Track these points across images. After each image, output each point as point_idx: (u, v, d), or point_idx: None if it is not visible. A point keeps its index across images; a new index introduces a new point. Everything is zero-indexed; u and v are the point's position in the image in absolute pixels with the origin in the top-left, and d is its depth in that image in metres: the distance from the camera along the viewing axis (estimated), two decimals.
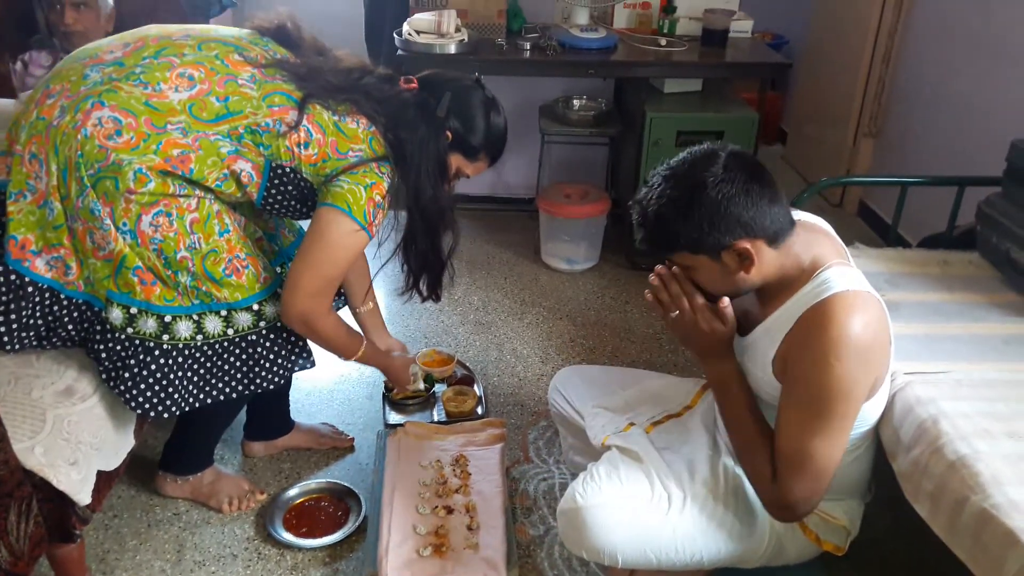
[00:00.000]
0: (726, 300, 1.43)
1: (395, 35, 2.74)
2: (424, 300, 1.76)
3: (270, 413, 2.02)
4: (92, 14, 2.20)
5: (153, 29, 1.56)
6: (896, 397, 1.51)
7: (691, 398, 1.80)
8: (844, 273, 1.36)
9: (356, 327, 1.88)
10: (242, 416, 2.02)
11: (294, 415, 2.09)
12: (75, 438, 1.46)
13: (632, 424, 1.73)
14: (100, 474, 1.51)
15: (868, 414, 1.46)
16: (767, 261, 1.34)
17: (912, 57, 3.14)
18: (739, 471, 1.51)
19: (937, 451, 1.38)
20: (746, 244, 1.31)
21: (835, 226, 1.53)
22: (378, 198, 1.52)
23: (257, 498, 1.89)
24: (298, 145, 1.49)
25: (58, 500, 1.43)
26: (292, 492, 1.89)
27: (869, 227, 3.38)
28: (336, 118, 1.51)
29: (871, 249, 2.11)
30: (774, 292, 1.39)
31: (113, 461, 1.56)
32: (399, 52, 2.69)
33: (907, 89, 3.18)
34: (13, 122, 1.50)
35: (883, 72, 3.27)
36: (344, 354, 1.73)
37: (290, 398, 2.06)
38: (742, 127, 2.80)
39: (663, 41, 2.89)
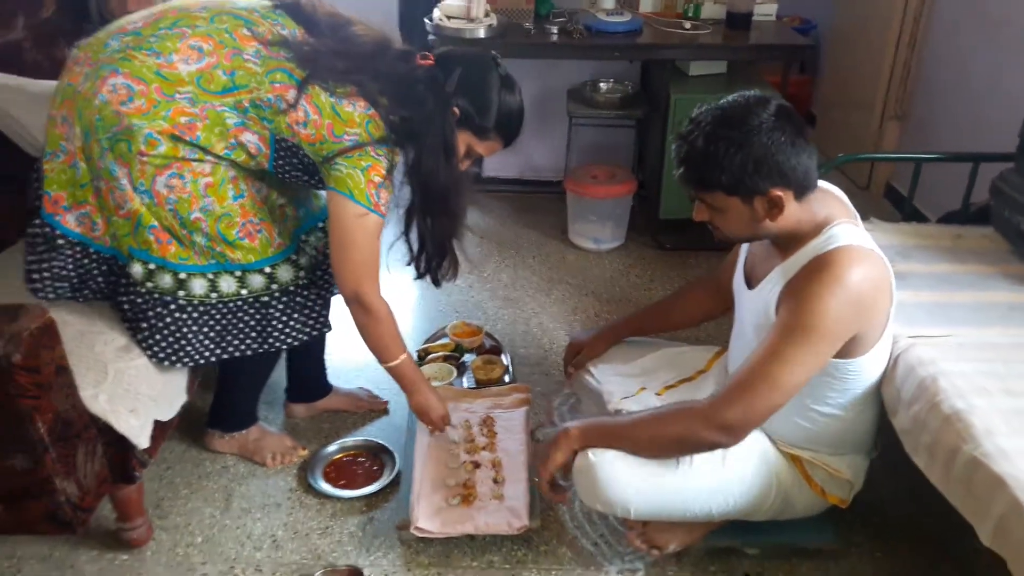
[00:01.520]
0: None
1: (426, 20, 2.86)
2: (419, 278, 1.77)
3: (308, 377, 2.16)
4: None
5: (177, 1, 1.62)
6: (899, 358, 1.59)
7: (706, 363, 1.89)
8: (851, 231, 1.45)
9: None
10: (284, 380, 2.16)
11: (334, 381, 2.22)
12: (134, 389, 1.61)
13: (643, 388, 1.83)
14: (156, 424, 1.64)
15: (868, 371, 1.54)
16: (789, 212, 1.42)
17: (937, 40, 3.17)
18: None
19: (935, 406, 1.46)
20: (779, 192, 1.39)
21: (862, 207, 1.61)
22: (377, 179, 1.57)
23: (299, 454, 2.02)
24: (297, 124, 1.55)
25: (119, 444, 1.57)
26: (331, 448, 2.03)
27: (895, 208, 3.42)
28: (334, 100, 1.54)
29: (886, 223, 2.17)
30: (784, 244, 1.48)
31: (168, 412, 1.70)
32: (430, 37, 2.80)
33: (932, 72, 3.21)
34: (54, 89, 1.62)
35: (909, 56, 3.30)
36: (386, 352, 1.77)
37: (330, 366, 2.19)
38: None
39: (688, 24, 2.96)
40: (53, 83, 2.14)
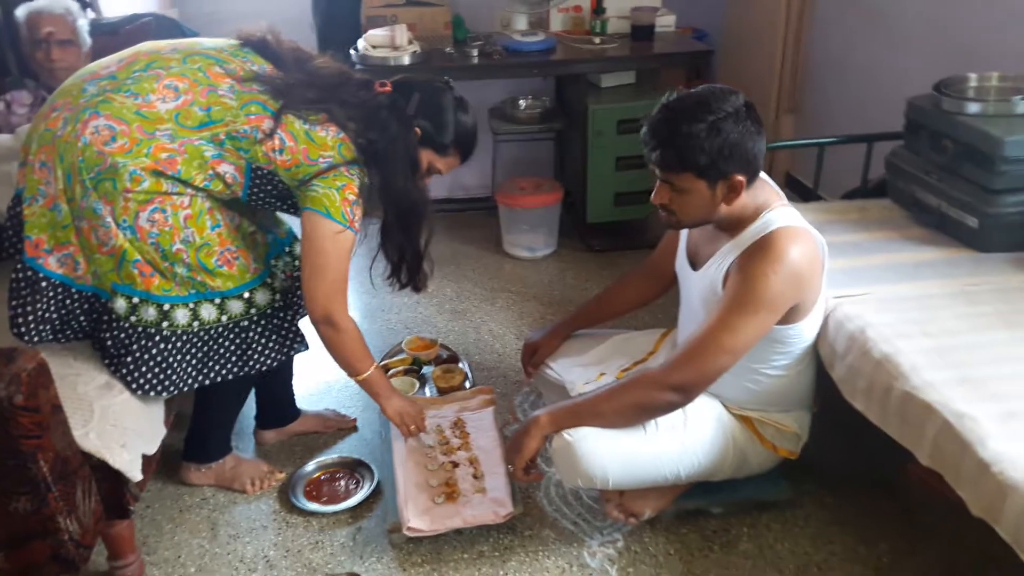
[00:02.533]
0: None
1: (352, 51, 2.95)
2: (402, 288, 1.89)
3: (278, 402, 2.21)
4: (75, 50, 2.36)
5: (146, 45, 1.72)
6: (829, 317, 1.78)
7: (653, 344, 2.04)
8: (786, 213, 1.63)
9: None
10: (251, 409, 2.20)
11: (300, 405, 2.27)
12: (121, 424, 1.64)
13: (603, 374, 1.96)
14: (144, 457, 1.67)
15: (807, 333, 1.72)
16: (741, 197, 1.59)
17: (819, 38, 3.47)
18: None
19: (866, 353, 1.65)
20: (740, 177, 1.55)
21: None
22: (351, 197, 1.67)
23: (277, 477, 2.06)
24: (273, 151, 1.63)
25: (113, 480, 1.60)
26: (309, 467, 2.08)
27: (796, 195, 3.69)
28: (307, 127, 1.64)
29: (800, 204, 2.38)
30: (729, 227, 1.65)
31: (152, 446, 1.73)
32: (357, 67, 2.90)
33: (818, 66, 3.51)
34: (27, 136, 1.67)
35: (795, 54, 3.59)
36: (357, 365, 1.83)
37: (295, 390, 2.24)
38: None
39: (597, 40, 3.15)
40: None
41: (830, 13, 3.37)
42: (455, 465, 1.98)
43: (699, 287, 1.73)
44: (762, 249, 1.56)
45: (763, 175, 1.73)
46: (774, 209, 1.62)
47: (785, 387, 1.78)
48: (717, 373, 1.61)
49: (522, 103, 3.33)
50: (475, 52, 2.99)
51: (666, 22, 3.29)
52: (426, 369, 2.47)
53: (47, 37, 2.34)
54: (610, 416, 1.67)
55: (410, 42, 2.89)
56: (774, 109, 3.77)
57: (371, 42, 2.88)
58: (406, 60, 2.87)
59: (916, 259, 2.01)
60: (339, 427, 2.28)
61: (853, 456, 2.03)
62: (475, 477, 1.94)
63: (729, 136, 1.51)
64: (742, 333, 1.57)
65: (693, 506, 1.91)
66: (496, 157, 3.42)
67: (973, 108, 2.01)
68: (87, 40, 2.44)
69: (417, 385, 2.35)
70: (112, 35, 2.71)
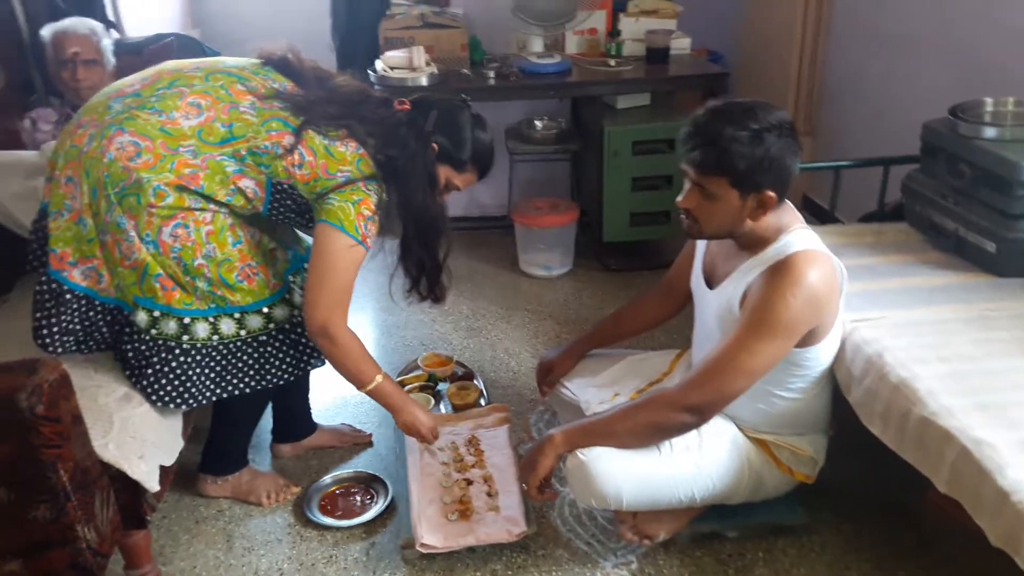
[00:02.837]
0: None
1: (369, 72, 3.00)
2: (423, 300, 1.91)
3: (294, 416, 2.22)
4: (100, 70, 2.41)
5: (169, 64, 1.77)
6: (846, 341, 1.77)
7: (668, 365, 2.04)
8: (805, 236, 1.64)
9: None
10: (268, 423, 2.22)
11: (316, 419, 2.28)
12: (140, 436, 1.66)
13: (617, 395, 1.97)
14: (161, 468, 1.69)
15: (823, 357, 1.72)
16: (767, 215, 1.59)
17: (835, 58, 3.48)
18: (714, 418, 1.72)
19: (883, 378, 1.64)
20: (772, 193, 1.55)
21: None
22: (367, 212, 1.69)
23: (292, 491, 2.08)
24: (293, 166, 1.67)
25: (131, 490, 1.62)
26: (325, 481, 2.10)
27: (813, 217, 3.69)
28: (327, 142, 1.67)
29: (814, 226, 2.38)
30: (749, 245, 1.65)
31: (170, 457, 1.74)
32: (375, 87, 2.93)
33: (834, 88, 3.52)
34: (53, 152, 1.71)
35: (811, 75, 3.61)
36: (361, 376, 1.81)
37: (311, 405, 2.26)
38: None
39: (612, 62, 3.19)
40: (11, 152, 2.21)
41: (845, 35, 3.39)
42: (469, 482, 1.99)
43: (715, 306, 1.74)
44: (781, 271, 1.56)
45: None
46: (794, 231, 1.63)
47: (800, 410, 1.77)
48: (733, 395, 1.61)
49: (538, 124, 3.36)
50: (492, 74, 3.03)
51: (681, 45, 3.32)
52: (441, 386, 2.48)
53: (73, 57, 2.39)
54: (624, 436, 1.67)
55: (427, 63, 2.93)
56: None
57: (389, 63, 2.92)
58: (424, 81, 2.90)
59: (933, 283, 2.00)
60: (355, 442, 2.29)
61: (870, 482, 2.01)
62: (489, 495, 1.95)
63: (770, 148, 1.51)
64: (760, 356, 1.57)
65: (708, 529, 1.90)
66: (513, 177, 3.44)
67: (990, 133, 2.02)
68: (111, 60, 2.49)
69: (432, 401, 2.36)
70: (136, 55, 2.76)
